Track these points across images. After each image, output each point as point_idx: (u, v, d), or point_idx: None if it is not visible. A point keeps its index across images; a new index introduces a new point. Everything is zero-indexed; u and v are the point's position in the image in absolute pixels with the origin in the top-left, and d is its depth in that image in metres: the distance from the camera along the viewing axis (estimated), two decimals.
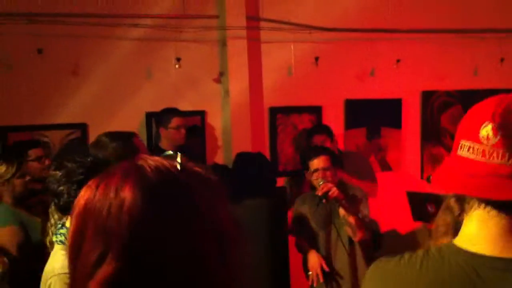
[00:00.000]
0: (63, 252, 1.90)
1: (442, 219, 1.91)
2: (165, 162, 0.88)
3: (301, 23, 4.67)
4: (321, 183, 3.40)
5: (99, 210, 0.81)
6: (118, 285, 0.79)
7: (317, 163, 3.51)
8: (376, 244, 3.70)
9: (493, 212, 1.05)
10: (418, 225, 4.37)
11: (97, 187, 0.84)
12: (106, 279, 0.79)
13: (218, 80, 4.62)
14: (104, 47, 4.33)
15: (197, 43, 4.51)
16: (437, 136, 5.17)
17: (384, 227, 4.80)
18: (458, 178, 1.07)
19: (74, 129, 4.28)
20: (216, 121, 4.64)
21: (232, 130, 4.49)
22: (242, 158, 4.17)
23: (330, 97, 4.88)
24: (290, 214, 3.89)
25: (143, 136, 4.35)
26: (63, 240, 1.93)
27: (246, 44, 4.53)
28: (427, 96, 5.15)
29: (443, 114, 5.17)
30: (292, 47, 4.65)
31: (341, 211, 3.37)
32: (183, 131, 4.19)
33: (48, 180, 1.98)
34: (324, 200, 3.36)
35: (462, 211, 1.12)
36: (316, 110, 4.86)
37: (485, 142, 1.02)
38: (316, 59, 4.70)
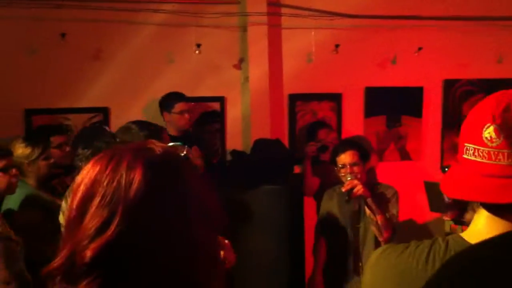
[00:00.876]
0: None
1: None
2: (174, 150, 0.99)
3: (322, 10, 4.64)
4: (348, 179, 3.30)
5: (110, 181, 0.88)
6: (115, 251, 0.85)
7: (344, 158, 3.39)
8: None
9: (498, 212, 1.05)
10: (435, 215, 4.36)
11: (109, 161, 0.91)
12: (108, 241, 0.84)
13: (238, 66, 4.63)
14: (126, 32, 4.38)
15: (217, 29, 4.52)
16: (458, 125, 5.08)
17: (401, 217, 4.80)
18: (465, 183, 1.07)
19: (96, 113, 4.35)
20: (235, 107, 4.66)
21: (251, 117, 4.51)
22: (260, 144, 4.19)
23: (350, 84, 4.85)
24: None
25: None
26: None
27: (267, 30, 4.53)
28: (449, 85, 5.09)
29: (465, 102, 5.11)
30: (312, 33, 4.63)
31: (367, 210, 3.29)
32: (186, 116, 4.16)
33: (77, 158, 2.01)
34: (347, 198, 3.29)
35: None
36: (336, 98, 4.85)
37: (489, 144, 1.02)
38: (337, 46, 4.68)
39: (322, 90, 4.80)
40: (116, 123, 4.35)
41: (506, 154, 1.01)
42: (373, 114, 4.93)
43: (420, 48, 4.86)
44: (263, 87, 4.54)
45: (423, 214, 4.67)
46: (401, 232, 4.16)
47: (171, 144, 1.09)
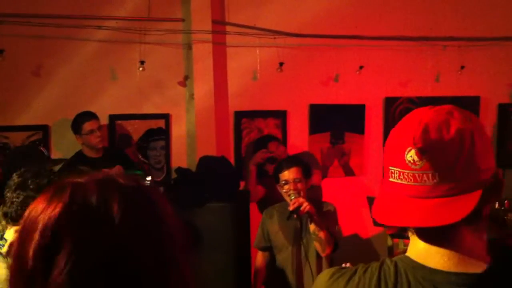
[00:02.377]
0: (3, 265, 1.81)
1: None
2: (137, 180, 0.90)
3: (266, 28, 4.70)
4: (292, 197, 3.29)
5: (80, 226, 0.76)
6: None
7: (287, 174, 3.39)
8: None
9: (436, 234, 1.05)
10: (378, 230, 4.45)
11: (71, 199, 0.79)
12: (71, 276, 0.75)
13: (183, 84, 4.61)
14: (68, 48, 4.30)
15: (162, 46, 4.50)
16: None
17: (345, 232, 4.88)
18: (395, 208, 1.06)
19: (36, 131, 4.23)
20: (180, 124, 4.64)
21: (197, 134, 4.50)
22: (206, 161, 4.17)
23: (295, 101, 4.92)
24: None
25: (107, 139, 4.33)
26: (2, 253, 1.84)
27: (212, 48, 4.54)
28: (390, 102, 5.24)
29: None
30: (257, 51, 4.69)
31: (312, 226, 3.28)
32: (98, 133, 4.03)
33: (7, 185, 1.91)
34: (295, 215, 3.29)
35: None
36: (281, 115, 4.90)
37: (412, 166, 1.02)
38: (281, 64, 4.74)
39: (268, 107, 4.85)
40: (56, 142, 4.26)
41: (430, 175, 1.01)
42: (318, 131, 5.00)
43: (361, 67, 4.99)
44: (208, 104, 4.53)
45: (367, 228, 4.75)
46: (346, 247, 4.22)
47: (134, 172, 1.04)
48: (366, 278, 1.11)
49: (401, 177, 1.04)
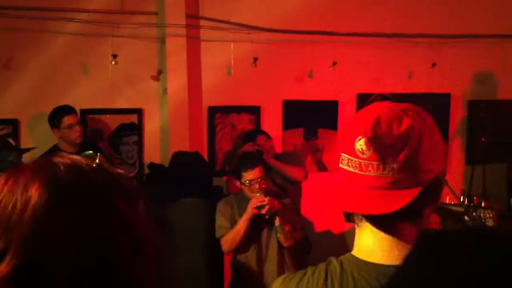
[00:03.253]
0: None
1: None
2: (82, 161, 0.85)
3: (241, 23, 4.69)
4: (258, 194, 3.41)
5: (5, 206, 0.77)
6: (15, 286, 0.75)
7: (252, 174, 3.47)
8: (307, 247, 3.77)
9: (378, 224, 1.09)
10: (350, 225, 4.48)
11: (5, 182, 0.81)
12: (3, 278, 0.74)
13: (156, 78, 4.57)
14: (39, 41, 4.22)
15: (135, 40, 4.45)
16: None
17: (318, 228, 4.91)
18: (343, 194, 1.10)
19: (5, 125, 4.15)
20: (153, 119, 4.59)
21: (170, 129, 4.46)
22: (179, 157, 4.15)
23: (269, 97, 4.92)
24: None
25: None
26: None
27: (185, 42, 4.51)
28: (363, 99, 5.26)
29: None
30: (232, 46, 4.67)
31: (278, 221, 3.42)
32: (77, 128, 3.94)
33: None
34: (267, 216, 3.39)
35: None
36: (255, 110, 4.90)
37: (360, 155, 1.06)
38: (255, 59, 4.73)
39: (242, 102, 4.84)
40: (26, 136, 4.18)
41: (375, 165, 1.04)
42: (291, 126, 5.02)
43: (335, 63, 5.00)
44: (182, 99, 4.50)
45: (339, 224, 4.79)
46: (319, 243, 4.26)
47: (84, 153, 0.96)
48: (315, 279, 1.15)
49: (349, 164, 1.08)
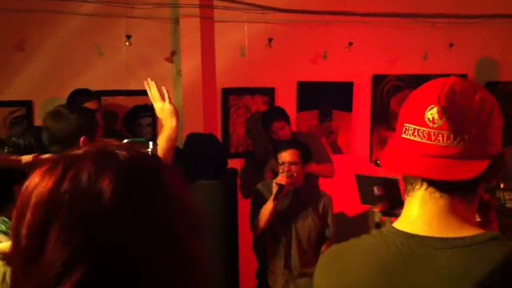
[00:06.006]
0: None
1: None
2: (137, 150, 0.82)
3: (255, 3, 4.62)
4: (285, 177, 3.39)
5: (71, 200, 0.71)
6: (95, 283, 0.71)
7: (284, 156, 3.46)
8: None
9: (434, 192, 1.08)
10: (366, 208, 4.46)
11: (63, 173, 0.74)
12: (81, 279, 0.69)
13: (169, 60, 4.54)
14: (52, 22, 4.19)
15: (148, 21, 4.40)
16: (386, 119, 5.26)
17: (334, 210, 4.88)
18: (405, 159, 1.10)
19: (19, 107, 4.14)
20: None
21: (184, 111, 4.43)
22: (193, 139, 4.13)
23: (283, 78, 4.88)
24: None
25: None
26: (4, 230, 1.82)
27: (199, 23, 4.46)
28: (378, 80, 5.22)
29: (392, 98, 5.26)
30: (245, 27, 4.62)
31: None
32: (98, 115, 3.86)
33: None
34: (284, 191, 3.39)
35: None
36: (269, 92, 4.86)
37: (430, 124, 1.05)
38: (270, 40, 4.68)
39: (255, 84, 4.80)
40: (40, 118, 4.17)
41: (445, 135, 1.04)
42: (305, 108, 4.98)
43: (350, 44, 4.94)
44: (195, 80, 4.47)
45: (354, 206, 4.76)
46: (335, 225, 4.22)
47: (129, 141, 0.94)
48: (355, 246, 1.17)
49: (415, 134, 1.08)
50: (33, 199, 0.73)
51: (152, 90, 2.54)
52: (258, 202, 3.56)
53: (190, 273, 0.78)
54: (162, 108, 2.51)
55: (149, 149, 0.85)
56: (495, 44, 5.41)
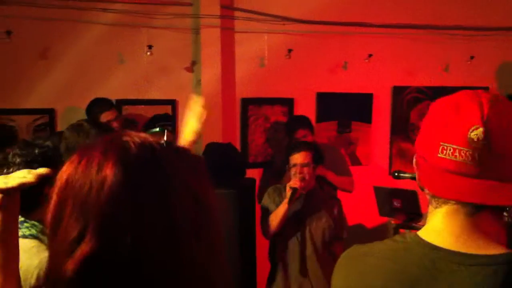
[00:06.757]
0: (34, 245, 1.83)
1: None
2: (151, 139, 0.85)
3: (275, 14, 4.65)
4: (298, 181, 3.38)
5: (80, 187, 0.79)
6: (96, 264, 0.77)
7: (296, 158, 3.47)
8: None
9: (464, 207, 1.06)
10: (384, 220, 4.42)
11: (79, 162, 0.81)
12: (84, 258, 0.76)
13: (190, 69, 4.58)
14: (75, 31, 4.26)
15: (169, 31, 4.46)
16: (406, 131, 5.23)
17: (351, 221, 4.85)
18: (449, 182, 1.07)
19: (42, 114, 4.21)
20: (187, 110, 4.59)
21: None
22: (212, 148, 4.15)
23: (302, 89, 4.89)
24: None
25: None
26: (35, 234, 1.87)
27: (220, 33, 4.50)
28: (398, 92, 5.20)
29: (412, 109, 5.23)
30: (265, 38, 4.64)
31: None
32: (115, 124, 3.82)
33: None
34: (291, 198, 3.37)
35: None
36: (288, 102, 4.87)
37: (474, 145, 1.03)
38: (289, 51, 4.70)
39: (275, 94, 4.81)
40: (62, 126, 4.23)
41: (490, 156, 1.02)
42: (324, 119, 4.97)
43: (370, 55, 4.94)
44: (215, 90, 4.50)
45: (372, 218, 4.73)
46: (350, 237, 4.20)
47: (152, 130, 0.97)
48: (376, 250, 1.16)
49: (456, 154, 1.04)
50: (57, 184, 0.83)
51: (197, 109, 2.59)
52: (269, 206, 3.58)
53: (186, 273, 0.80)
54: (190, 123, 2.54)
55: (163, 139, 0.87)
56: None
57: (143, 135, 0.86)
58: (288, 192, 3.39)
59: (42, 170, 1.41)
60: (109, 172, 0.78)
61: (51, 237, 0.82)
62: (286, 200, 3.39)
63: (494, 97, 1.07)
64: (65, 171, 0.82)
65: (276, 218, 3.45)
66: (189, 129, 2.51)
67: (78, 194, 0.79)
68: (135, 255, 0.77)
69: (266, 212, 3.57)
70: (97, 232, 0.76)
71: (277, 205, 3.50)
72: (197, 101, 2.58)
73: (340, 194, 4.28)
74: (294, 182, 3.40)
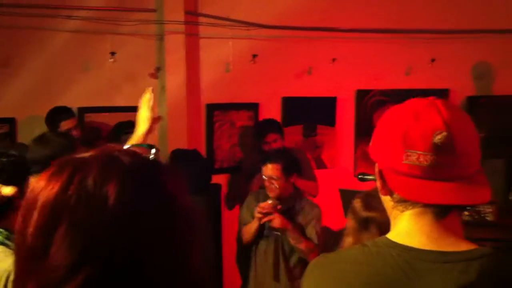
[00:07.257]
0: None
1: (347, 222, 2.01)
2: (141, 155, 0.86)
3: (240, 20, 4.67)
4: (269, 201, 3.35)
5: (77, 203, 0.74)
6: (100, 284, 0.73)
7: (265, 170, 3.42)
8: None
9: (431, 207, 1.10)
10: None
11: (70, 176, 0.76)
12: (86, 281, 0.72)
13: (154, 76, 4.56)
14: (38, 39, 4.19)
15: (134, 37, 4.43)
16: (370, 134, 5.26)
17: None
18: (421, 187, 1.09)
19: (2, 124, 4.12)
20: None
21: (168, 126, 4.45)
22: (177, 154, 4.14)
23: (268, 94, 4.91)
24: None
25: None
26: (1, 240, 1.86)
27: (184, 39, 4.49)
28: (362, 95, 5.27)
29: (376, 112, 5.31)
30: (230, 43, 4.65)
31: (291, 240, 3.33)
32: (75, 133, 3.82)
33: None
34: (267, 231, 3.38)
35: (393, 209, 1.16)
36: (253, 107, 4.89)
37: (438, 149, 1.05)
38: (254, 56, 4.72)
39: (240, 99, 4.83)
40: (23, 136, 4.16)
41: (456, 159, 1.06)
42: (290, 123, 5.01)
43: (334, 59, 5.00)
44: (180, 96, 4.49)
45: (338, 221, 4.78)
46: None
47: (131, 145, 0.96)
48: (348, 256, 1.19)
49: (420, 159, 1.07)
50: (40, 200, 0.76)
51: (146, 97, 2.56)
52: (244, 216, 3.58)
53: (190, 279, 0.81)
54: (140, 113, 2.53)
55: (152, 155, 0.88)
56: (476, 59, 5.49)
57: (131, 150, 0.86)
58: (256, 214, 3.37)
59: (8, 191, 1.39)
60: (111, 191, 0.75)
61: (34, 258, 0.74)
62: (255, 220, 3.38)
63: (446, 102, 1.11)
64: (50, 187, 0.76)
65: (247, 232, 3.46)
66: (141, 118, 2.49)
67: (74, 214, 0.74)
68: (134, 277, 0.75)
69: (241, 222, 3.58)
70: (96, 257, 0.73)
71: (252, 212, 3.48)
72: (146, 90, 2.55)
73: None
74: (263, 206, 3.35)
